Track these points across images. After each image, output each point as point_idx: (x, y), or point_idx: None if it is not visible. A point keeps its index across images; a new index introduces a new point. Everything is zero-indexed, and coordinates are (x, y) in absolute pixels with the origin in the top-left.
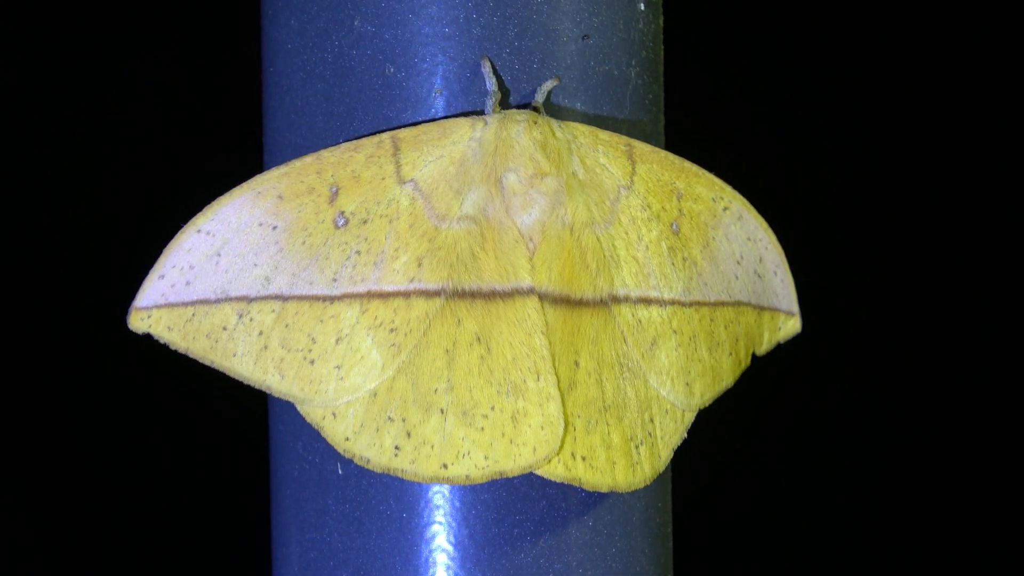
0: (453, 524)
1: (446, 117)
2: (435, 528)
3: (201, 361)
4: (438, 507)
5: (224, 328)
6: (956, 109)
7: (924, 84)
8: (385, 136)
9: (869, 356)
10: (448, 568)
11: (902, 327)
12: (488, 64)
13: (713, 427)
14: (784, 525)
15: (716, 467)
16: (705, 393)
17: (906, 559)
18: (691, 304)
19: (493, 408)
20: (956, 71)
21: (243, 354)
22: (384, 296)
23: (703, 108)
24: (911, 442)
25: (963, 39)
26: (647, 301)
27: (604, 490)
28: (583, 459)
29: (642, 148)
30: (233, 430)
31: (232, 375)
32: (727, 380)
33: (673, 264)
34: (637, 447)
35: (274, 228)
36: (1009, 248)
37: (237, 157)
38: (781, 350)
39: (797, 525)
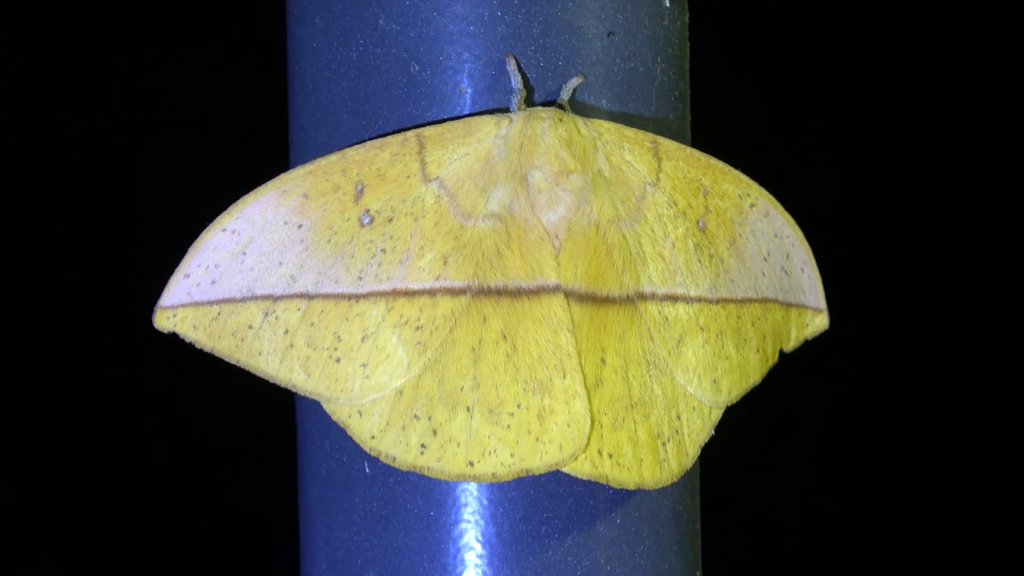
0: (481, 522)
1: (471, 115)
2: (463, 526)
3: (227, 360)
4: (465, 505)
5: (250, 327)
6: (983, 107)
7: (951, 77)
8: (410, 134)
9: (894, 352)
10: (476, 566)
11: (923, 325)
12: (513, 62)
13: (739, 424)
14: (812, 524)
15: (743, 464)
16: (732, 390)
17: (930, 557)
18: (718, 301)
19: (519, 406)
20: (979, 71)
21: (269, 353)
22: (410, 294)
23: (730, 104)
24: (935, 440)
25: (988, 41)
26: (674, 298)
27: (631, 487)
28: (610, 456)
29: (668, 145)
30: (260, 429)
31: (258, 374)
32: (754, 377)
33: (700, 261)
34: (664, 444)
35: (299, 226)
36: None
37: (263, 155)
38: (808, 347)
39: (825, 524)
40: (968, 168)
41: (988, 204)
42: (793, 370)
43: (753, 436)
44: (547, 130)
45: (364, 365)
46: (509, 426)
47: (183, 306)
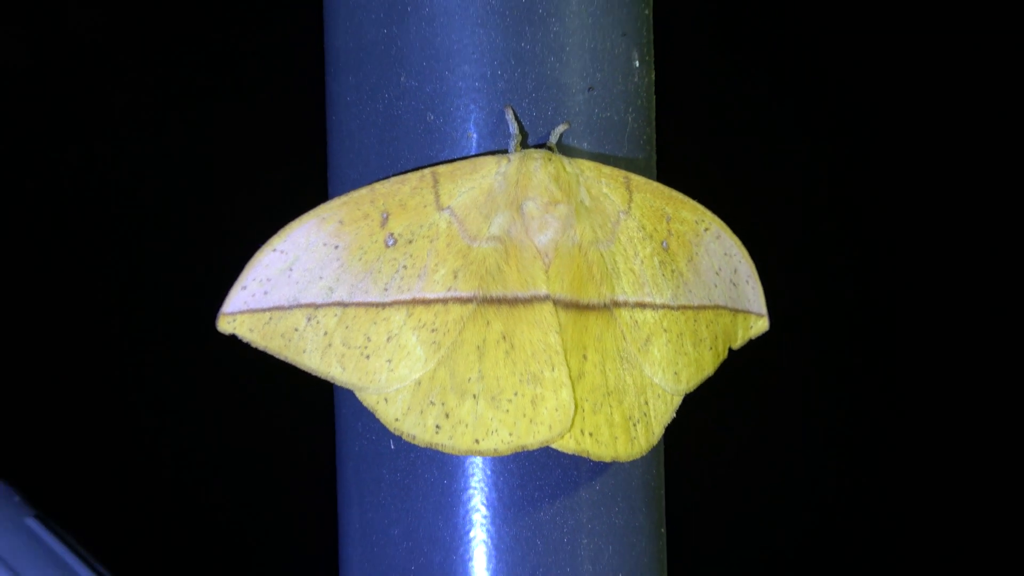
0: (485, 489)
1: (476, 155)
2: (470, 492)
3: (276, 356)
4: (472, 475)
5: (295, 329)
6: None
7: (913, 119)
8: (426, 171)
9: (867, 357)
10: (482, 525)
11: (896, 331)
12: (511, 112)
13: (710, 421)
14: (766, 500)
15: (710, 451)
16: (690, 380)
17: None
18: (678, 308)
19: (516, 394)
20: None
21: (311, 351)
22: (426, 302)
23: (689, 147)
24: (902, 440)
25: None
26: (642, 305)
27: (608, 460)
28: (590, 435)
29: (638, 180)
30: (305, 414)
31: (302, 368)
32: (708, 369)
33: (663, 275)
34: (635, 425)
35: (336, 247)
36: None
37: (306, 188)
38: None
39: (779, 499)
40: (929, 181)
41: (969, 211)
42: (771, 370)
43: (719, 433)
44: (539, 168)
45: (389, 361)
46: (508, 410)
47: (241, 313)
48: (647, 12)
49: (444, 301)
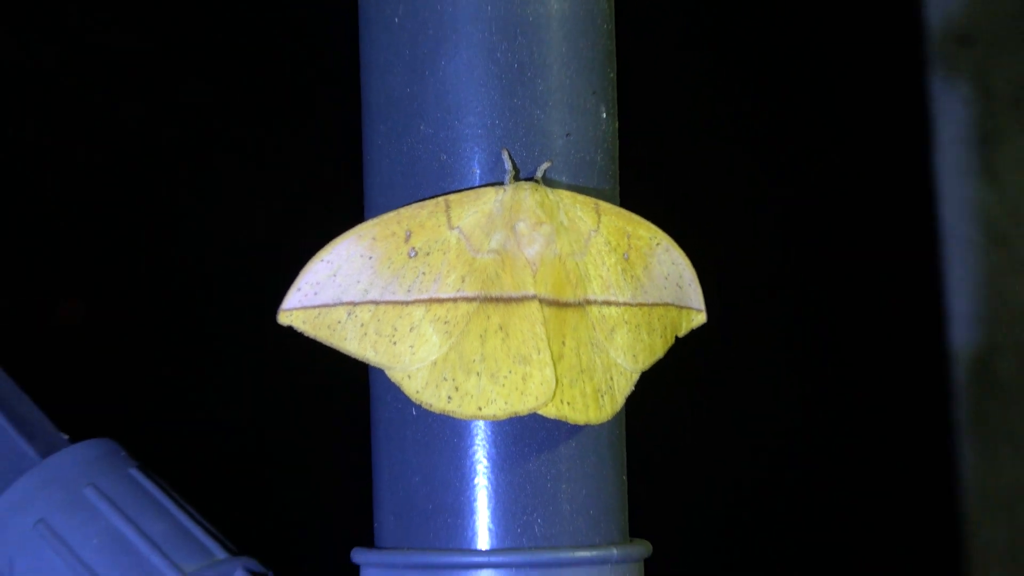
0: (486, 445)
1: (479, 186)
2: (475, 448)
3: (324, 343)
4: (476, 435)
5: (338, 322)
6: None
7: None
8: (440, 199)
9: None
10: (483, 474)
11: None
12: (506, 153)
13: (660, 396)
14: (719, 468)
15: (659, 419)
16: (645, 361)
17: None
18: (636, 305)
19: (510, 372)
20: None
21: (350, 338)
22: (440, 301)
23: (645, 182)
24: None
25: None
26: (608, 303)
27: (581, 424)
28: (568, 404)
29: (605, 205)
30: (345, 389)
31: (344, 352)
32: (659, 353)
33: (625, 279)
34: (602, 396)
35: (370, 258)
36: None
37: (347, 212)
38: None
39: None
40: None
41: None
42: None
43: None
44: (528, 196)
45: (411, 346)
46: (504, 384)
47: (296, 309)
48: (612, 75)
49: (454, 300)
